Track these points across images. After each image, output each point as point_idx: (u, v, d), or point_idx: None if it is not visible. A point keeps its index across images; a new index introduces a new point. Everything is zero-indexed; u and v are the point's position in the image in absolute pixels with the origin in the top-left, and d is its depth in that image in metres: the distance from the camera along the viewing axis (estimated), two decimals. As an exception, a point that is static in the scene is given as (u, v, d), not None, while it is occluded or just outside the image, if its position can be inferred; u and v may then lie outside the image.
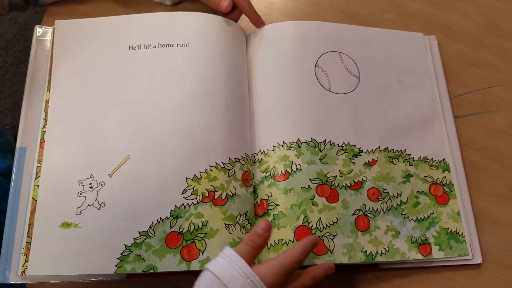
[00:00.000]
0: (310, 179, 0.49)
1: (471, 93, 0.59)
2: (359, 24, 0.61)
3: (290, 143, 0.50)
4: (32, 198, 0.47)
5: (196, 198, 0.47)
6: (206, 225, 0.46)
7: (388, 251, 0.49)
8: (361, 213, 0.50)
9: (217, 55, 0.52)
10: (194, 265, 0.44)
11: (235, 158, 0.49)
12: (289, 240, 0.47)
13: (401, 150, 0.53)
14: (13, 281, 0.45)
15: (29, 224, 0.46)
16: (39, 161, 0.48)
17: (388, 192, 0.51)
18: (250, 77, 0.55)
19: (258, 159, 0.51)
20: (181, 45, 0.52)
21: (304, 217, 0.48)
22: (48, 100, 0.51)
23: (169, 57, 0.52)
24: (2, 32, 1.34)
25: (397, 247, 0.49)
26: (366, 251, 0.48)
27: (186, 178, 0.47)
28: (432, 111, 0.56)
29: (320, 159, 0.50)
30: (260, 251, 0.42)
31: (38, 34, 0.55)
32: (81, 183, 0.47)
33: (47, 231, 0.45)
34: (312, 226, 0.48)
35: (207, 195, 0.47)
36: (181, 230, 0.46)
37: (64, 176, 0.47)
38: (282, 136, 0.51)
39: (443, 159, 0.54)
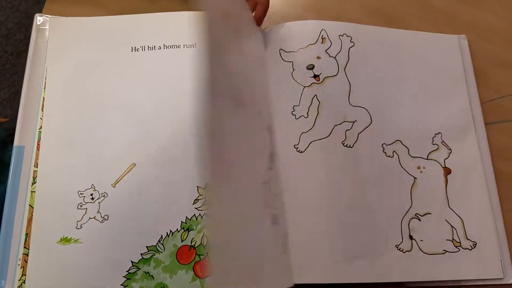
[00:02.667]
0: None
1: (503, 98, 0.55)
2: (382, 20, 0.57)
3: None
4: (29, 205, 0.44)
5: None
6: (220, 239, 0.43)
7: None
8: None
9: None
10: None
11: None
12: None
13: None
14: (9, 293, 0.42)
15: (26, 234, 0.43)
16: (36, 165, 0.45)
17: None
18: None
19: None
20: (188, 46, 0.50)
21: None
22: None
23: (175, 58, 0.50)
24: (2, 20, 1.32)
25: None
26: None
27: (197, 186, 0.44)
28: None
29: None
30: None
31: (38, 23, 0.51)
32: (81, 194, 0.44)
33: (44, 247, 0.42)
34: None
35: (220, 206, 0.44)
36: (193, 243, 0.43)
37: (62, 187, 0.44)
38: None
39: None
